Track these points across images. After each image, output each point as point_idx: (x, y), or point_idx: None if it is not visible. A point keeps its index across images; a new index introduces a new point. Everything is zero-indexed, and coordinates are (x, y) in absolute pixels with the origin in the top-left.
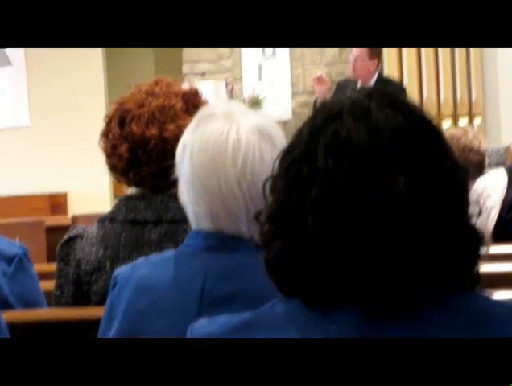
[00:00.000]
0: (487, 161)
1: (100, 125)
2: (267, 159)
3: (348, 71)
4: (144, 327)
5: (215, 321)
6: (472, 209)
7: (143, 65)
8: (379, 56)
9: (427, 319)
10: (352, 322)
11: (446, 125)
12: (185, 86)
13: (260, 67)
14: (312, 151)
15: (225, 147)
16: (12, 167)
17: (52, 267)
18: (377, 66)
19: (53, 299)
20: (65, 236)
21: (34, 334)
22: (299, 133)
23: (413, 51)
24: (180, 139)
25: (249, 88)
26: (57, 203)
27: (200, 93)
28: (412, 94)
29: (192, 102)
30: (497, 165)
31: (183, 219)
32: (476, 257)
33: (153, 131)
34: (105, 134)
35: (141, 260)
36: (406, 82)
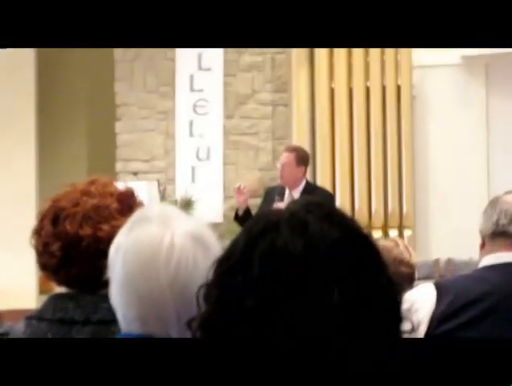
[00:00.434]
0: (416, 274)
1: (29, 221)
2: (201, 265)
3: None
4: None
5: None
6: (405, 325)
7: (76, 162)
8: (306, 164)
9: None
10: None
11: (376, 235)
12: (121, 186)
13: (193, 170)
14: (248, 260)
15: (158, 252)
16: None
17: None
18: (305, 173)
19: None
20: None
21: None
22: (235, 242)
23: (346, 159)
24: (114, 241)
25: (182, 189)
26: None
27: (135, 194)
28: (344, 204)
29: (127, 203)
30: (427, 278)
31: (112, 321)
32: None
33: (87, 231)
34: (37, 232)
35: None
36: (338, 192)
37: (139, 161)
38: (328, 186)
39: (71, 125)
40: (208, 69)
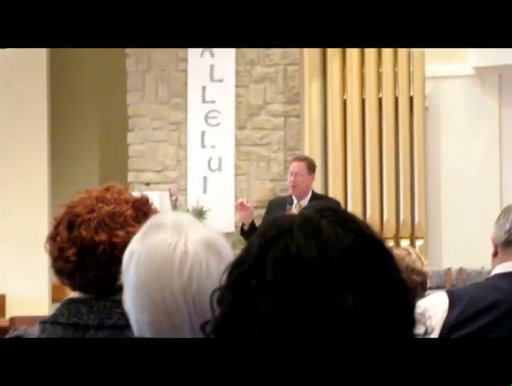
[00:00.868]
0: (428, 283)
1: (42, 231)
2: (213, 272)
3: None
4: None
5: None
6: (419, 329)
7: (88, 172)
8: (314, 172)
9: None
10: None
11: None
12: (135, 193)
13: (205, 180)
14: (261, 265)
15: (171, 258)
16: None
17: None
18: (313, 182)
19: None
20: (6, 336)
21: None
22: (249, 247)
23: (358, 170)
24: (128, 247)
25: (193, 199)
26: None
27: (150, 202)
28: (355, 213)
29: (142, 210)
30: (438, 287)
31: (125, 326)
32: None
33: (102, 237)
34: (53, 238)
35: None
36: (350, 202)
37: (151, 171)
38: (339, 197)
39: (83, 136)
40: (220, 80)
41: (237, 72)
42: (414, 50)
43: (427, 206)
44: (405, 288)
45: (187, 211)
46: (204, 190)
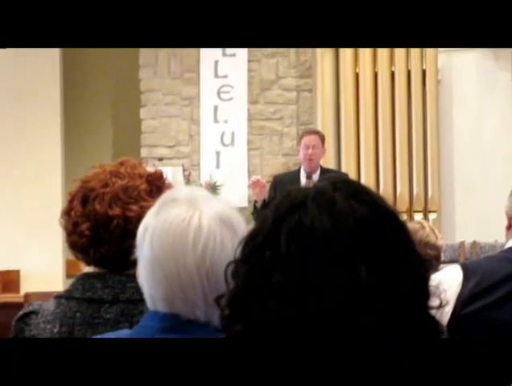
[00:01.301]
0: (442, 256)
1: (56, 203)
2: (227, 247)
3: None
4: None
5: None
6: (433, 301)
7: (101, 148)
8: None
9: None
10: None
11: None
12: (149, 168)
13: (218, 155)
14: (275, 237)
15: (186, 233)
16: None
17: None
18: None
19: None
20: (20, 312)
21: None
22: (263, 220)
23: (371, 144)
24: (142, 221)
25: (206, 174)
26: (9, 280)
27: (164, 176)
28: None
29: (156, 184)
30: (451, 261)
31: (139, 300)
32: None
33: (116, 211)
34: (67, 212)
35: (96, 338)
36: (363, 176)
37: (164, 147)
38: (352, 171)
39: (96, 112)
40: (233, 55)
41: None
42: None
43: (440, 179)
44: (419, 260)
45: (201, 186)
46: (217, 165)
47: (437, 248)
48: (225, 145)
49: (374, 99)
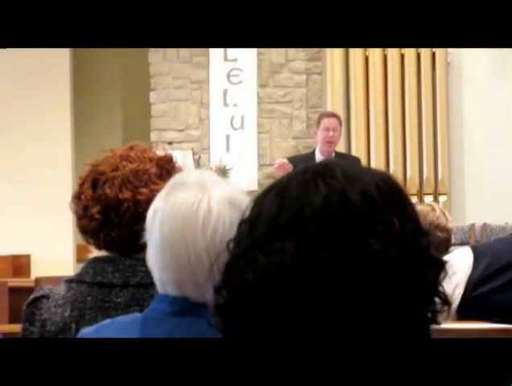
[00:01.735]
0: (452, 239)
1: (66, 187)
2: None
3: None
4: None
5: None
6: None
7: (111, 132)
8: None
9: None
10: None
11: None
12: (159, 152)
13: (228, 138)
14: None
15: (195, 217)
16: None
17: (14, 328)
18: None
19: None
20: (31, 296)
21: None
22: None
23: (381, 127)
24: (151, 205)
25: (216, 158)
26: (19, 264)
27: (174, 160)
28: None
29: (166, 168)
30: (462, 243)
31: (150, 284)
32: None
33: (126, 194)
34: (77, 196)
35: (106, 321)
36: (373, 159)
37: (174, 130)
38: (362, 154)
39: (106, 96)
40: None
41: None
42: None
43: (451, 162)
44: (420, 232)
45: (210, 169)
46: (227, 149)
47: (448, 231)
48: (234, 128)
49: (384, 82)
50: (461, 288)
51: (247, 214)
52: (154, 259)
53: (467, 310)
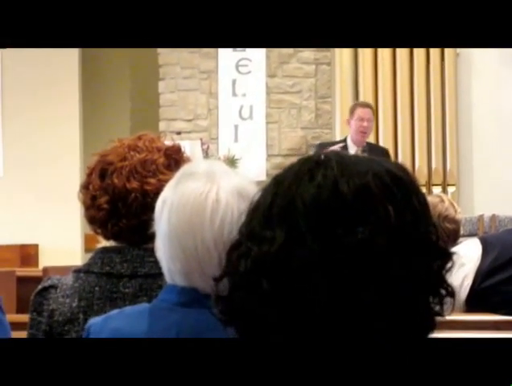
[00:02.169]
0: (461, 230)
1: (74, 177)
2: None
3: (324, 136)
4: None
5: None
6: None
7: (119, 122)
8: None
9: None
10: None
11: None
12: (168, 142)
13: (236, 128)
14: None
15: (203, 207)
16: None
17: (22, 317)
18: None
19: None
20: (39, 286)
21: None
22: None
23: (389, 117)
24: (160, 195)
25: (224, 148)
26: (27, 254)
27: (182, 150)
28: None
29: (174, 158)
30: (470, 234)
31: (158, 274)
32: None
33: (134, 184)
34: (85, 186)
35: (115, 311)
36: None
37: (182, 120)
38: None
39: (114, 85)
40: None
41: None
42: None
43: (459, 153)
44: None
45: (219, 159)
46: (236, 139)
47: (456, 222)
48: (243, 118)
49: (393, 72)
50: (470, 279)
51: (252, 205)
52: (162, 249)
53: (475, 302)
